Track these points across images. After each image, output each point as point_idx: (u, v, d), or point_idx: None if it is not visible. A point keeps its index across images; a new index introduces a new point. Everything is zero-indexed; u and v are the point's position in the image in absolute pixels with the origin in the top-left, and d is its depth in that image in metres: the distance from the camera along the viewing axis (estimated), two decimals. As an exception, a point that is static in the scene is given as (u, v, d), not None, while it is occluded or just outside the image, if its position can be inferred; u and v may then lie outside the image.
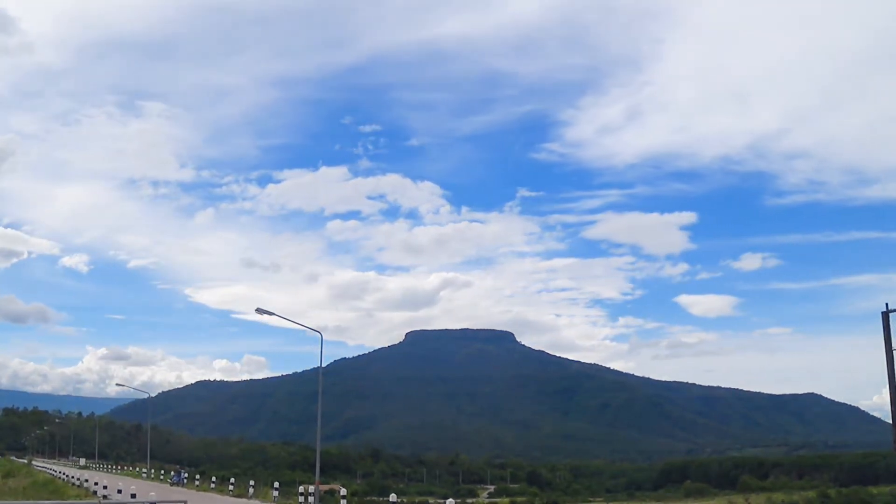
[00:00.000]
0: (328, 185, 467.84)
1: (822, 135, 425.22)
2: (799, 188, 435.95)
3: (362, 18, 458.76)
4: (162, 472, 60.90)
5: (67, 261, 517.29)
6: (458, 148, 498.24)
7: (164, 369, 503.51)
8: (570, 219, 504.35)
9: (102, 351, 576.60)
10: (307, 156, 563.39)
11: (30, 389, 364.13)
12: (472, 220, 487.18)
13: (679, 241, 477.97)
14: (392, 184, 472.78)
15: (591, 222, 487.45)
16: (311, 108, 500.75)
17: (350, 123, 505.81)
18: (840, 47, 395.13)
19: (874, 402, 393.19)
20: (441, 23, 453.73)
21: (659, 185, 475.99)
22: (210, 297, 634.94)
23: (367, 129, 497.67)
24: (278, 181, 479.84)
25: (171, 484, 49.47)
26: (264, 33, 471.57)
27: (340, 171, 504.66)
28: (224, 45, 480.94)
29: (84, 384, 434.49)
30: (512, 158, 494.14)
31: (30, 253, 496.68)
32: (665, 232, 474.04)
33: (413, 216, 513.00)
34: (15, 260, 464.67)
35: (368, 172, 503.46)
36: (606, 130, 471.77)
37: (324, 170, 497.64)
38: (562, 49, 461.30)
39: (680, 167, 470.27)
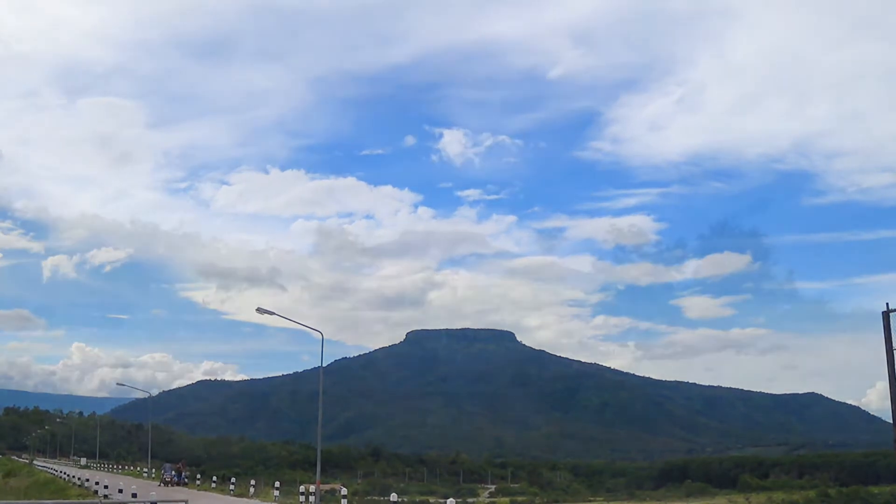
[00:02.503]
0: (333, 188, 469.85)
1: (867, 136, 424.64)
2: (835, 188, 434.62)
3: (411, 17, 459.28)
4: (163, 471, 60.96)
5: (56, 260, 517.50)
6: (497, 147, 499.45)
7: (162, 369, 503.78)
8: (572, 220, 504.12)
9: (100, 351, 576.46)
10: (323, 160, 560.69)
11: (29, 389, 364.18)
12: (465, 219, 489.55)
13: (686, 241, 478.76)
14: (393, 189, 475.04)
15: (570, 225, 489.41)
16: (345, 108, 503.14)
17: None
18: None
19: (861, 402, 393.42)
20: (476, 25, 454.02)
21: (696, 183, 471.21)
22: (205, 297, 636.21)
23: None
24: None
25: (166, 482, 48.89)
26: (303, 34, 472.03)
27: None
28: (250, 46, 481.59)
29: (84, 384, 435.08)
30: (556, 157, 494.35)
31: (17, 253, 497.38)
32: (670, 231, 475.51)
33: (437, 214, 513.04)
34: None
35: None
36: (652, 128, 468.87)
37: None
38: (608, 48, 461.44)
39: (719, 165, 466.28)
